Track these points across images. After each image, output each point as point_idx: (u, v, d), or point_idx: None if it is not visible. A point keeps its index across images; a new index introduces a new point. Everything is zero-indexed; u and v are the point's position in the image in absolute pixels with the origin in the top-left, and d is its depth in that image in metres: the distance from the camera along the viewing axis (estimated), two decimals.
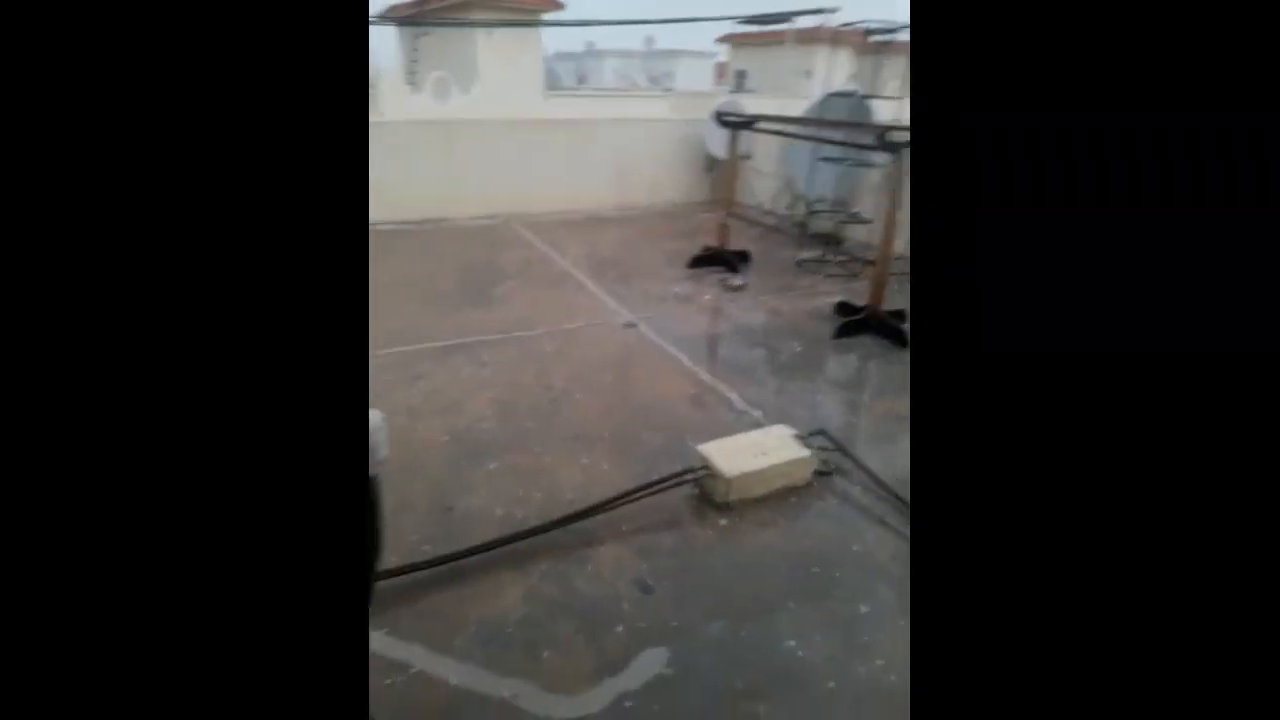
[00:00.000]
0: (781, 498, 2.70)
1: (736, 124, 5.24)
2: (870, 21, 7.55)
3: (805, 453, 2.79)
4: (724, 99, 7.78)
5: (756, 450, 2.76)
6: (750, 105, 6.97)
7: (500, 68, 6.87)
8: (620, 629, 2.05)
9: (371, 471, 1.03)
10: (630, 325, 4.25)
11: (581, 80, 23.41)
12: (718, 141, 6.79)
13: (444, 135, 6.42)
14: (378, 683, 1.82)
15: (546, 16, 7.26)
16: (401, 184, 6.22)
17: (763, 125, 5.14)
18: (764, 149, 7.42)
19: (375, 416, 1.01)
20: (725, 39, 10.68)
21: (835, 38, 8.62)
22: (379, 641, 1.94)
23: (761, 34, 9.07)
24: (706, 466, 2.66)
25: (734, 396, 3.48)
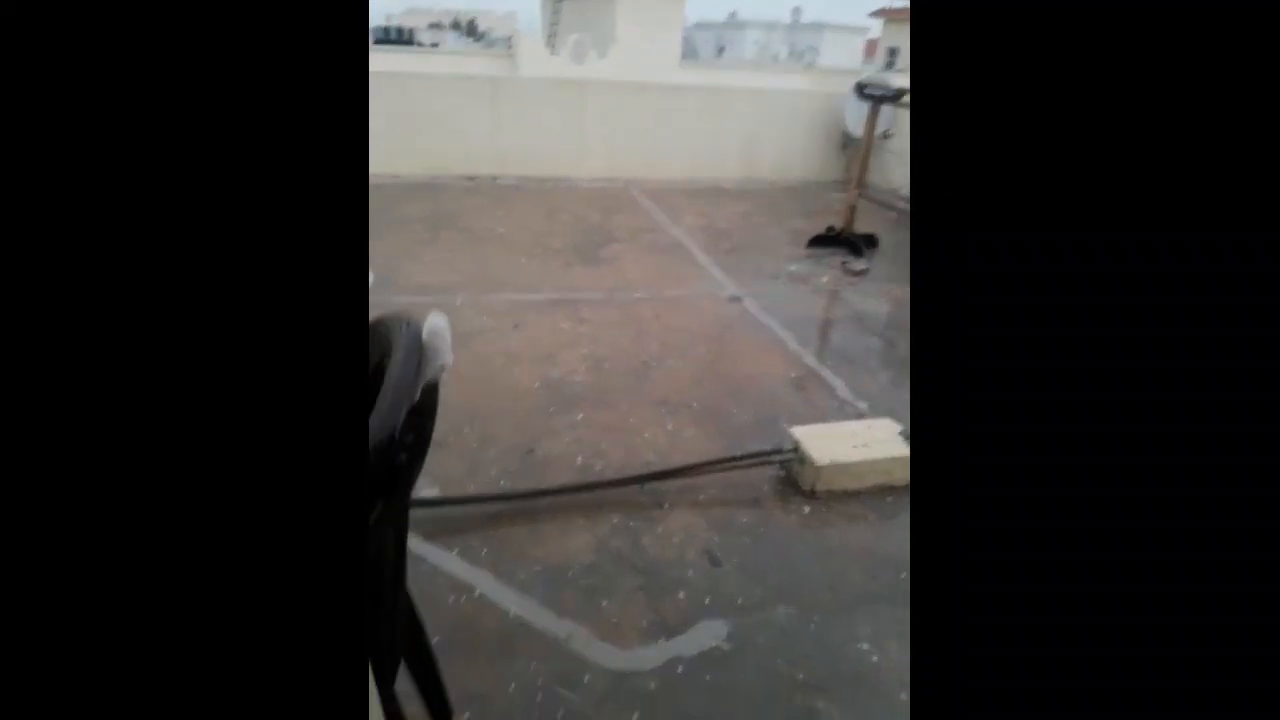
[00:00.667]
0: (877, 495, 2.49)
1: (879, 97, 4.84)
2: None
3: (907, 451, 2.54)
4: (870, 75, 7.24)
5: (855, 441, 2.56)
6: (899, 83, 6.43)
7: (638, 34, 6.84)
8: (682, 595, 1.98)
9: (432, 377, 1.01)
10: (735, 299, 4.10)
11: (720, 51, 22.83)
12: (856, 117, 6.33)
13: (576, 95, 6.50)
14: (443, 599, 1.89)
15: None
16: (526, 141, 6.39)
17: (907, 100, 4.70)
18: (906, 130, 6.84)
19: (439, 320, 0.98)
20: (879, 13, 9.93)
21: None
22: (450, 562, 2.02)
23: None
24: (797, 449, 2.50)
25: (839, 384, 3.25)
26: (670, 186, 6.62)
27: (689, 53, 11.24)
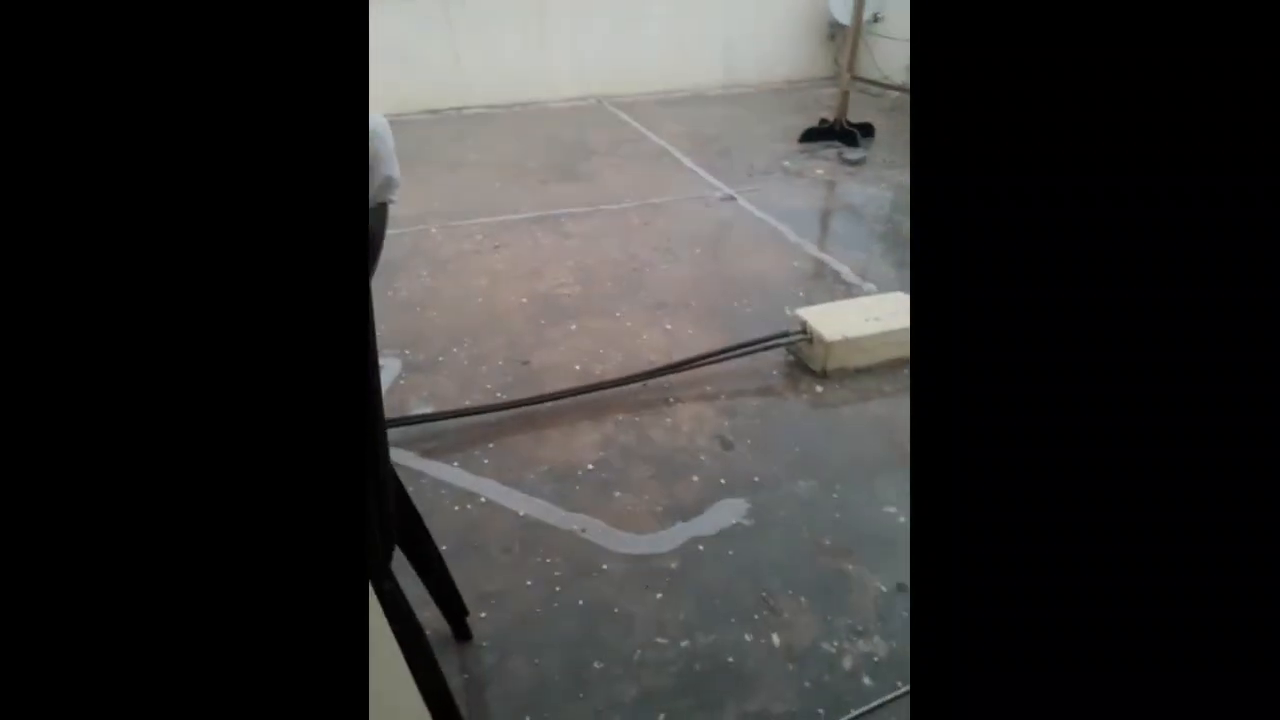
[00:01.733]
0: (892, 369, 2.37)
1: None
2: None
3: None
4: None
5: (866, 315, 2.42)
6: None
7: None
8: (696, 479, 1.90)
9: (374, 197, 0.86)
10: (729, 199, 3.89)
11: None
12: (842, 2, 5.90)
13: (536, 8, 6.06)
14: (447, 508, 1.81)
15: None
16: (488, 65, 6.00)
17: None
18: (898, 11, 6.38)
19: (377, 121, 0.83)
20: None
21: None
22: (450, 473, 1.94)
23: None
24: (805, 329, 2.38)
25: (844, 269, 3.10)
26: (648, 98, 6.25)
27: None
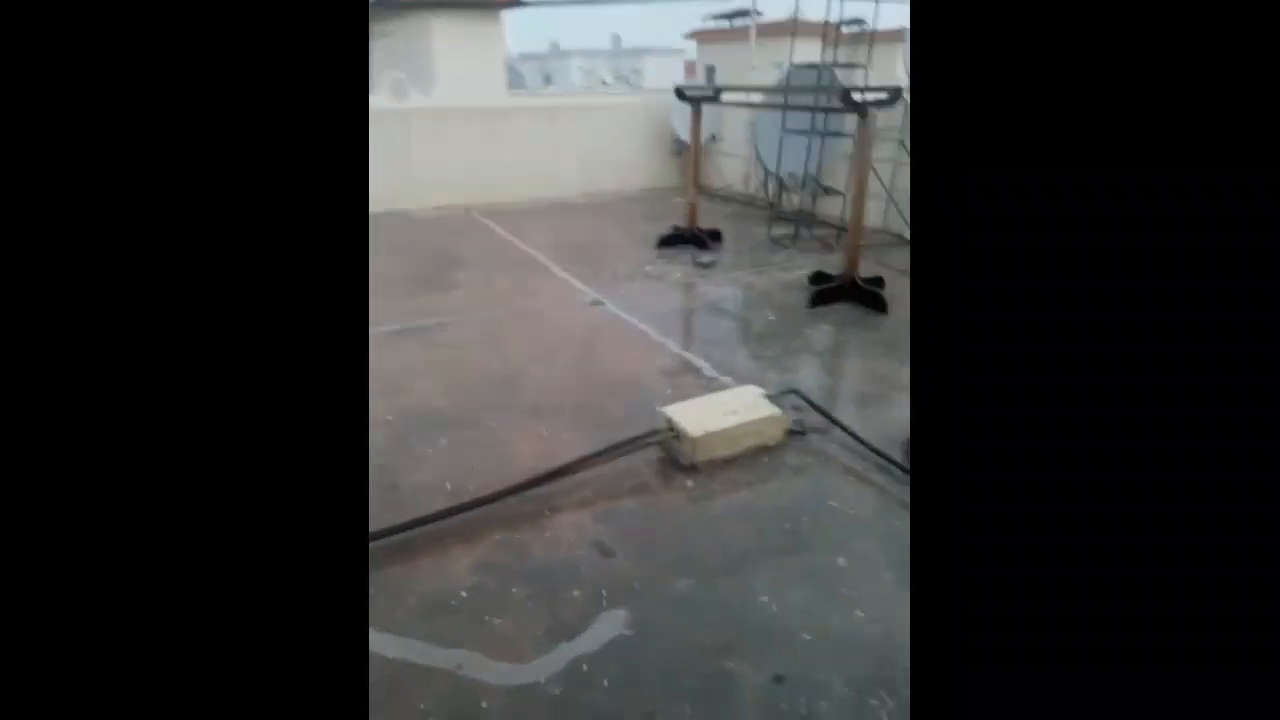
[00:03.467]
0: (753, 458, 2.56)
1: (697, 98, 5.14)
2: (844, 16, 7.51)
3: (776, 410, 2.65)
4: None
5: (724, 410, 2.62)
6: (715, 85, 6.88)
7: (461, 68, 6.73)
8: (577, 593, 1.88)
9: None
10: (596, 303, 4.10)
11: (548, 80, 23.15)
12: (684, 123, 6.70)
13: (401, 125, 6.25)
14: None
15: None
16: None
17: (726, 97, 5.04)
18: (733, 132, 7.35)
19: None
20: (693, 35, 10.64)
21: (804, 29, 8.59)
22: None
23: (730, 30, 9.03)
24: (671, 426, 2.51)
25: (704, 365, 3.34)
26: (514, 207, 6.55)
27: (516, 82, 11.30)
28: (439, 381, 3.04)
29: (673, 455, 2.53)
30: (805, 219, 5.93)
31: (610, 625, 1.77)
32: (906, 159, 5.37)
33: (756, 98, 6.23)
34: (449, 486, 2.32)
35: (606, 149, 7.36)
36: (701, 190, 5.65)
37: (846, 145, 5.39)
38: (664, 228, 5.48)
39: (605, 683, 1.61)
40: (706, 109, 5.52)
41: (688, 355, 3.45)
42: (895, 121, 5.28)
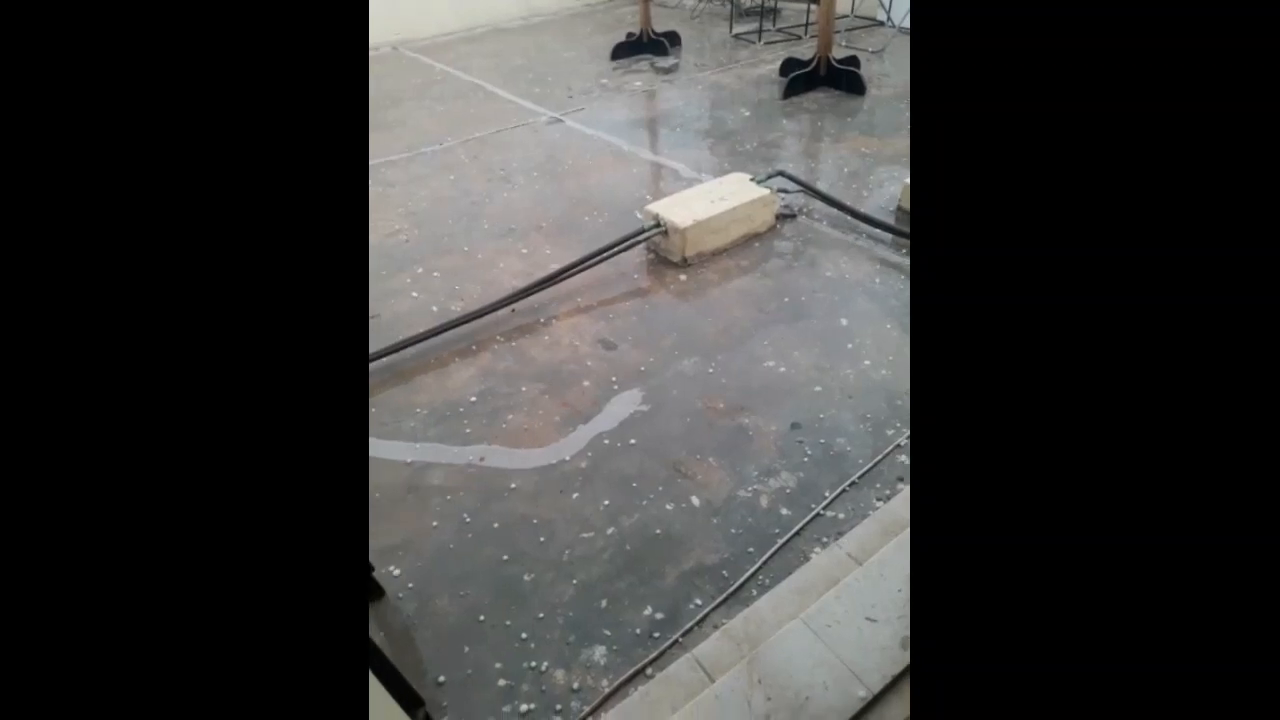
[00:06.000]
0: (745, 246, 2.46)
1: None
2: None
3: (764, 192, 2.51)
4: None
5: (712, 198, 2.47)
6: None
7: None
8: (586, 383, 1.86)
9: None
10: (555, 121, 3.75)
11: None
12: None
13: None
14: None
15: None
16: None
17: None
18: None
19: None
20: None
21: None
22: None
23: None
24: (658, 222, 2.38)
25: (680, 166, 3.13)
26: (450, 38, 5.79)
27: None
28: (399, 217, 2.81)
29: (663, 254, 2.42)
30: (769, 9, 5.34)
31: (625, 404, 1.77)
32: None
33: None
34: (434, 309, 2.22)
35: None
36: None
37: None
38: (616, 38, 4.91)
39: (628, 451, 1.63)
40: None
41: (662, 160, 3.22)
42: None
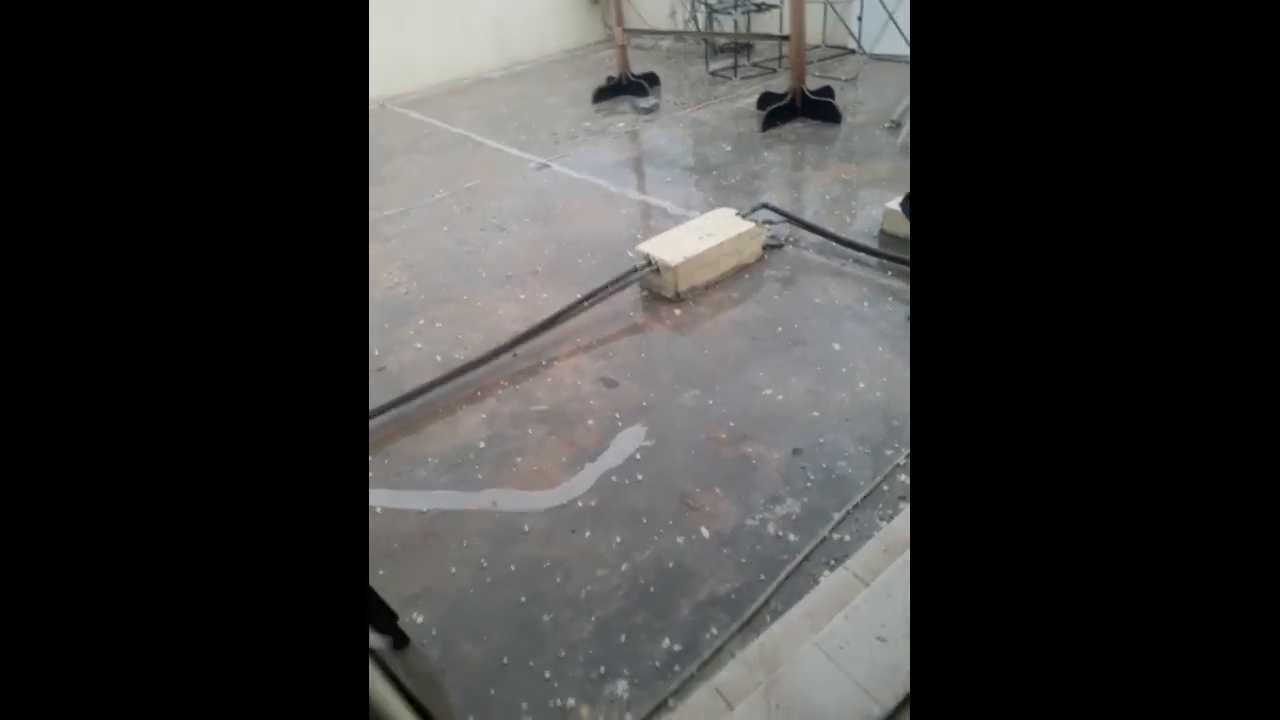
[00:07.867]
0: (735, 279, 2.55)
1: None
2: None
3: (750, 225, 2.60)
4: None
5: (700, 234, 2.56)
6: None
7: None
8: (591, 422, 1.92)
9: None
10: (543, 167, 3.87)
11: None
12: None
13: None
14: None
15: None
16: None
17: None
18: None
19: None
20: None
21: None
22: None
23: None
24: (649, 261, 2.46)
25: (667, 204, 3.23)
26: (433, 92, 5.99)
27: None
28: (398, 270, 2.90)
29: (656, 291, 2.50)
30: (742, 45, 5.55)
31: (630, 440, 1.82)
32: None
33: None
34: (438, 359, 2.28)
35: (518, 7, 6.65)
36: (629, 33, 5.19)
37: None
38: (596, 82, 5.09)
39: (636, 487, 1.68)
40: None
41: (649, 198, 3.33)
42: None
